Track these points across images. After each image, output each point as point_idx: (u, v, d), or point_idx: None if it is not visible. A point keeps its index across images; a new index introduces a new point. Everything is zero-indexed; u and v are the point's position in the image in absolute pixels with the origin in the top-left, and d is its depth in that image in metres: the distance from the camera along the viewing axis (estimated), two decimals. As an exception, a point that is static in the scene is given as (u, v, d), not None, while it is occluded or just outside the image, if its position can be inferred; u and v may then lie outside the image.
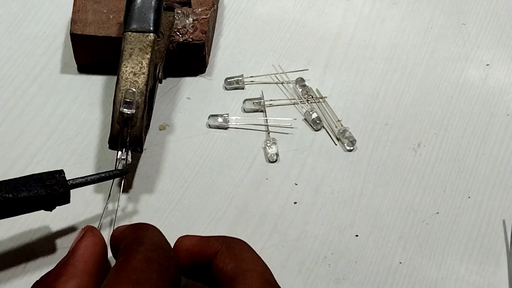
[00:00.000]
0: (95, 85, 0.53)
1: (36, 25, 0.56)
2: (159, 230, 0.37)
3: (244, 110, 0.52)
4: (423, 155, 0.49)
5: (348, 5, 0.58)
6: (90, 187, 0.47)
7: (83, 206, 0.46)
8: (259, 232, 0.45)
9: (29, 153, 0.49)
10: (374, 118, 0.51)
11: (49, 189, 0.39)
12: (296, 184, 0.48)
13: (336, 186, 0.48)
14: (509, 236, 0.45)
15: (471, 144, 0.50)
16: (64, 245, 0.44)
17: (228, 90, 0.53)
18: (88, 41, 0.51)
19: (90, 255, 0.36)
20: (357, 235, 0.45)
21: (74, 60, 0.53)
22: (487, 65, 0.54)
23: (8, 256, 0.44)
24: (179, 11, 0.51)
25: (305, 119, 0.51)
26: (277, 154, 0.49)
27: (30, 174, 0.40)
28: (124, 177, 0.45)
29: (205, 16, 0.52)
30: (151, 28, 0.46)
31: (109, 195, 0.45)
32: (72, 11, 0.51)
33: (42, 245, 0.44)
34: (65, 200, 0.40)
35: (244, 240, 0.37)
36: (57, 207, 0.41)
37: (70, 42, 0.52)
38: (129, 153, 0.44)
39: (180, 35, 0.51)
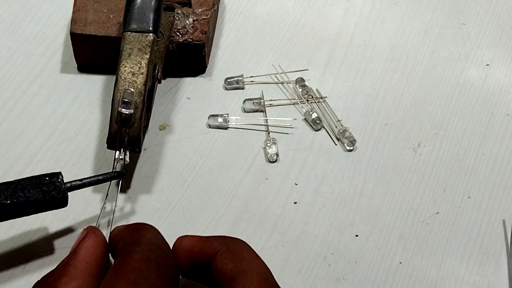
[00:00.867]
0: (95, 85, 0.53)
1: (36, 25, 0.56)
2: (157, 230, 0.37)
3: (244, 110, 0.52)
4: (423, 155, 0.49)
5: (348, 5, 0.58)
6: (89, 187, 0.47)
7: (83, 206, 0.46)
8: (259, 232, 0.45)
9: (29, 153, 0.49)
10: (374, 118, 0.51)
11: (47, 194, 0.40)
12: (296, 184, 0.48)
13: (336, 186, 0.48)
14: (509, 236, 0.45)
15: (471, 144, 0.50)
16: (63, 245, 0.44)
17: (228, 90, 0.53)
18: (88, 40, 0.51)
19: (92, 256, 0.36)
20: (357, 235, 0.45)
21: (74, 60, 0.53)
22: (487, 65, 0.54)
23: (8, 256, 0.44)
24: (179, 11, 0.51)
25: (305, 119, 0.51)
26: (277, 154, 0.49)
27: (29, 176, 0.40)
28: (123, 178, 0.45)
29: (205, 17, 0.52)
30: (151, 28, 0.46)
31: (107, 195, 0.45)
32: (73, 11, 0.51)
33: (42, 245, 0.44)
34: (63, 203, 0.41)
35: (244, 240, 0.37)
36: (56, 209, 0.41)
37: (70, 41, 0.52)
38: (127, 153, 0.44)
39: (180, 36, 0.51)
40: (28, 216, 0.45)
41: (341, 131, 0.50)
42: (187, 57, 0.52)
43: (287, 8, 0.58)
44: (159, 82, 0.49)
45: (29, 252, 0.44)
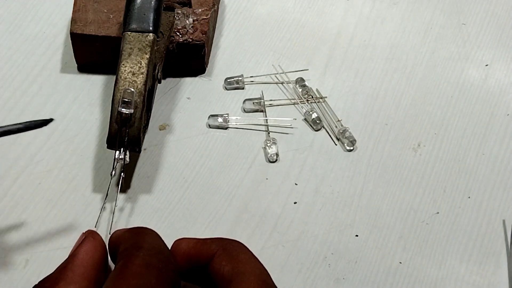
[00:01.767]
0: (95, 85, 0.53)
1: (36, 25, 0.56)
2: (157, 234, 0.37)
3: (244, 110, 0.52)
4: (423, 155, 0.49)
5: (348, 5, 0.58)
6: (89, 187, 0.47)
7: (83, 206, 0.46)
8: (259, 232, 0.45)
9: (29, 153, 0.49)
10: (374, 118, 0.51)
11: None
12: (296, 184, 0.48)
13: (336, 186, 0.48)
14: (509, 236, 0.45)
15: (471, 144, 0.50)
16: (64, 245, 0.44)
17: (228, 90, 0.53)
18: (88, 40, 0.51)
19: (90, 260, 0.36)
20: (357, 235, 0.45)
21: (74, 60, 0.53)
22: (486, 65, 0.54)
23: (8, 256, 0.44)
24: (179, 11, 0.51)
25: (305, 119, 0.51)
26: (277, 154, 0.49)
27: None
28: (122, 177, 0.45)
29: (205, 17, 0.52)
30: (151, 28, 0.46)
31: (107, 195, 0.45)
32: (73, 11, 0.51)
33: (42, 245, 0.44)
34: None
35: (244, 240, 0.37)
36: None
37: (70, 41, 0.51)
38: (127, 153, 0.44)
39: (180, 35, 0.51)
40: (27, 216, 0.45)
41: (341, 131, 0.50)
42: (187, 57, 0.52)
43: (287, 8, 0.58)
44: (159, 82, 0.49)
45: (29, 252, 0.44)
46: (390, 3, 0.59)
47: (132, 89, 0.44)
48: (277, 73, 0.53)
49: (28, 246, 0.44)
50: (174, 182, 0.48)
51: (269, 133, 0.50)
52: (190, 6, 0.52)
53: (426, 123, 0.51)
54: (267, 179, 0.48)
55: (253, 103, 0.51)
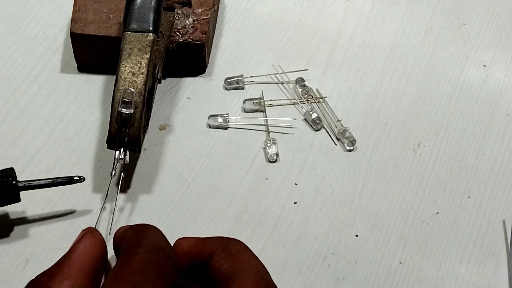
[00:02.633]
0: (95, 85, 0.53)
1: (36, 25, 0.56)
2: (160, 232, 0.37)
3: (244, 110, 0.52)
4: (423, 155, 0.49)
5: (348, 5, 0.58)
6: (89, 187, 0.47)
7: (83, 206, 0.46)
8: (259, 232, 0.45)
9: (29, 153, 0.49)
10: (374, 118, 0.51)
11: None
12: (296, 184, 0.48)
13: (336, 186, 0.48)
14: (509, 236, 0.45)
15: (471, 144, 0.50)
16: (64, 245, 0.44)
17: (228, 90, 0.53)
18: (88, 40, 0.51)
19: (87, 256, 0.36)
20: (357, 235, 0.45)
21: (74, 60, 0.53)
22: (484, 66, 0.54)
23: (8, 256, 0.44)
24: (179, 11, 0.51)
25: (305, 119, 0.51)
26: (277, 154, 0.49)
27: None
28: (122, 177, 0.45)
29: (205, 17, 0.52)
30: (151, 28, 0.46)
31: (107, 195, 0.45)
32: (73, 11, 0.51)
33: (42, 245, 0.44)
34: (15, 199, 0.43)
35: (244, 240, 0.37)
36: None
37: (70, 41, 0.52)
38: (127, 153, 0.44)
39: (180, 36, 0.51)
40: (28, 216, 0.45)
41: (341, 131, 0.50)
42: (187, 57, 0.52)
43: (287, 8, 0.58)
44: (159, 82, 0.49)
45: (29, 252, 0.44)
46: (390, 3, 0.59)
47: (132, 89, 0.44)
48: (277, 73, 0.53)
49: (28, 246, 0.44)
50: (174, 182, 0.48)
51: (269, 133, 0.50)
52: (190, 6, 0.52)
53: (426, 123, 0.51)
54: (267, 179, 0.48)
55: (253, 103, 0.51)
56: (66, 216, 0.45)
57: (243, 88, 0.53)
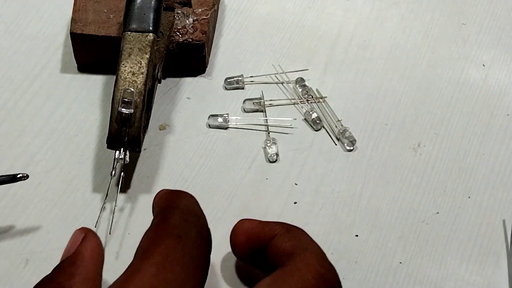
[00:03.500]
0: (95, 85, 0.53)
1: (36, 25, 0.56)
2: (195, 199, 0.37)
3: (244, 110, 0.52)
4: (423, 155, 0.49)
5: (348, 5, 0.58)
6: (90, 187, 0.47)
7: (83, 206, 0.46)
8: (259, 232, 0.45)
9: (29, 153, 0.49)
10: (374, 118, 0.51)
11: None
12: (296, 184, 0.48)
13: (336, 186, 0.48)
14: (509, 236, 0.45)
15: (471, 144, 0.50)
16: (64, 245, 0.44)
17: (228, 90, 0.53)
18: (88, 40, 0.51)
19: (98, 257, 0.36)
20: (357, 235, 0.45)
21: (74, 60, 0.53)
22: (483, 65, 0.54)
23: (8, 256, 0.44)
24: (179, 11, 0.51)
25: (305, 119, 0.51)
26: (277, 154, 0.49)
27: None
28: (122, 177, 0.45)
29: (205, 17, 0.52)
30: (151, 28, 0.46)
31: (107, 195, 0.45)
32: (73, 10, 0.51)
33: (42, 245, 0.44)
34: None
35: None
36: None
37: (70, 41, 0.51)
38: (127, 153, 0.44)
39: (180, 35, 0.51)
40: (27, 216, 0.45)
41: (341, 131, 0.50)
42: (187, 57, 0.52)
43: (287, 8, 0.58)
44: (159, 82, 0.49)
45: (29, 252, 0.44)
46: (390, 3, 0.59)
47: (132, 89, 0.44)
48: (277, 73, 0.53)
49: (28, 246, 0.44)
50: (174, 182, 0.48)
51: (269, 133, 0.50)
52: (190, 6, 0.52)
53: (426, 123, 0.51)
54: (267, 179, 0.48)
55: (253, 103, 0.51)
56: (66, 216, 0.45)
57: (243, 88, 0.53)
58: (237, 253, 0.39)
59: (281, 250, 0.35)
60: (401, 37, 0.56)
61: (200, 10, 0.52)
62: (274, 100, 0.52)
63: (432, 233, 0.46)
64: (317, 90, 0.53)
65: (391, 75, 0.54)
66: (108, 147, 0.44)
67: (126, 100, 0.43)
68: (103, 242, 0.38)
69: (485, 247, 0.45)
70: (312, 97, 0.52)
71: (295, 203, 0.47)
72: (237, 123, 0.51)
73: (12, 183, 0.43)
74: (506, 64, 0.55)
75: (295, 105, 0.52)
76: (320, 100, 0.52)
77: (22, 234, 0.45)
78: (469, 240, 0.45)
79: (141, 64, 0.45)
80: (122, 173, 0.45)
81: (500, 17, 0.58)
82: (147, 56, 0.45)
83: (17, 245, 0.44)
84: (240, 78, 0.53)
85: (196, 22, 0.51)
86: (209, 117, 0.50)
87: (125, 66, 0.45)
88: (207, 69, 0.54)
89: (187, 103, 0.52)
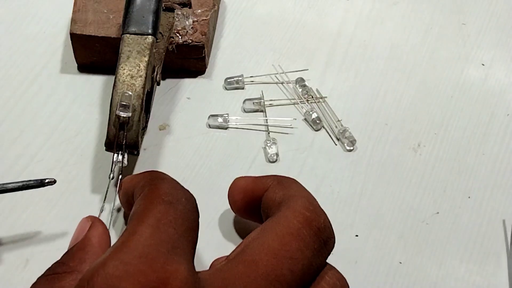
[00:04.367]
0: (95, 85, 0.53)
1: (36, 25, 0.56)
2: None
3: (244, 110, 0.52)
4: (423, 155, 0.49)
5: (348, 5, 0.58)
6: (90, 187, 0.47)
7: (83, 206, 0.46)
8: (259, 232, 0.45)
9: (29, 153, 0.49)
10: (374, 118, 0.51)
11: None
12: (296, 184, 0.48)
13: (336, 186, 0.48)
14: (509, 236, 0.45)
15: (471, 144, 0.50)
16: (64, 246, 0.44)
17: (228, 90, 0.53)
18: (88, 41, 0.51)
19: (106, 244, 0.37)
20: (357, 235, 0.45)
21: (74, 60, 0.53)
22: (483, 65, 0.54)
23: (8, 256, 0.44)
24: (179, 12, 0.51)
25: (305, 119, 0.51)
26: (277, 154, 0.49)
27: None
28: (120, 179, 0.45)
29: (205, 18, 0.52)
30: (150, 31, 0.46)
31: (105, 197, 0.45)
32: (73, 11, 0.51)
33: (42, 245, 0.44)
34: None
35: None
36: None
37: (70, 42, 0.51)
38: (125, 156, 0.44)
39: (180, 36, 0.51)
40: (27, 216, 0.45)
41: (341, 131, 0.50)
42: (187, 58, 0.52)
43: (287, 8, 0.58)
44: (158, 84, 0.49)
45: (29, 252, 0.44)
46: (390, 3, 0.59)
47: (130, 93, 0.44)
48: (277, 73, 0.54)
49: (28, 246, 0.44)
50: (174, 182, 0.47)
51: (269, 133, 0.50)
52: (190, 7, 0.52)
53: (426, 123, 0.51)
54: (267, 179, 0.48)
55: (253, 103, 0.51)
56: (66, 216, 0.45)
57: (243, 88, 0.53)
58: (235, 209, 0.42)
59: (272, 200, 0.37)
60: (401, 37, 0.56)
61: (200, 11, 0.52)
62: (274, 100, 0.52)
63: (432, 233, 0.46)
64: (317, 90, 0.53)
65: (391, 75, 0.54)
66: (106, 150, 0.44)
67: (124, 103, 0.43)
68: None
69: (485, 247, 0.45)
70: (312, 97, 0.52)
71: (295, 203, 0.47)
72: (237, 123, 0.51)
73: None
74: (506, 64, 0.55)
75: (295, 105, 0.52)
76: (320, 100, 0.52)
77: (22, 234, 0.45)
78: (469, 240, 0.45)
79: (139, 67, 0.45)
80: (120, 176, 0.45)
81: (500, 17, 0.58)
82: (146, 59, 0.45)
83: (17, 245, 0.44)
84: (240, 78, 0.53)
85: (196, 23, 0.51)
86: (209, 117, 0.51)
87: (124, 69, 0.45)
88: (207, 69, 0.54)
89: (187, 103, 0.52)
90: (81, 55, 0.52)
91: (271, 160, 0.49)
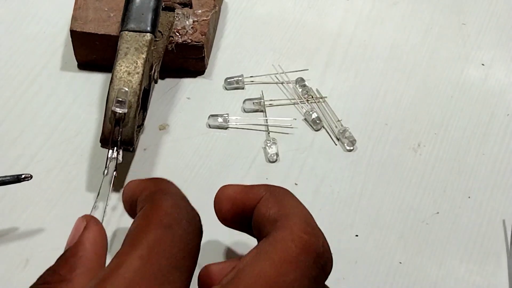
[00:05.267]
0: (95, 84, 0.53)
1: (36, 24, 0.56)
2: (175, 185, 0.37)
3: (244, 110, 0.52)
4: (423, 155, 0.49)
5: (348, 5, 0.58)
6: (89, 187, 0.47)
7: (83, 206, 0.46)
8: (259, 232, 0.45)
9: (29, 153, 0.49)
10: (374, 118, 0.51)
11: None
12: (296, 184, 0.48)
13: (336, 186, 0.48)
14: (509, 236, 0.45)
15: (471, 144, 0.50)
16: (64, 245, 0.44)
17: (228, 90, 0.53)
18: (88, 38, 0.51)
19: (100, 246, 0.35)
20: (357, 235, 0.45)
21: (74, 59, 0.53)
22: (483, 64, 0.54)
23: (8, 256, 0.44)
24: (180, 12, 0.51)
25: (305, 119, 0.51)
26: (277, 154, 0.49)
27: None
28: (114, 176, 0.45)
29: (205, 18, 0.52)
30: (149, 28, 0.46)
31: (98, 194, 0.45)
32: (73, 8, 0.51)
33: (42, 245, 0.44)
34: None
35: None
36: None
37: (71, 41, 0.51)
38: (120, 152, 0.44)
39: (179, 36, 0.51)
40: (27, 216, 0.45)
41: (341, 131, 0.50)
42: (187, 58, 0.52)
43: (287, 8, 0.58)
44: (156, 82, 0.49)
45: (29, 252, 0.44)
46: (390, 3, 0.59)
47: (127, 89, 0.44)
48: (277, 73, 0.53)
49: (28, 246, 0.44)
50: (173, 182, 0.47)
51: (269, 133, 0.50)
52: (191, 7, 0.52)
53: (426, 123, 0.51)
54: (267, 179, 0.48)
55: (253, 103, 0.51)
56: (66, 216, 0.45)
57: (243, 88, 0.53)
58: (221, 219, 0.38)
59: (265, 216, 0.34)
60: (401, 37, 0.56)
61: (200, 11, 0.52)
62: (274, 100, 0.52)
63: (432, 233, 0.46)
64: (317, 90, 0.53)
65: (391, 75, 0.54)
66: (102, 146, 0.44)
67: (120, 99, 0.43)
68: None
69: (485, 247, 0.45)
70: (312, 97, 0.52)
71: (295, 203, 0.47)
72: (237, 123, 0.51)
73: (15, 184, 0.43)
74: (506, 64, 0.55)
75: (295, 105, 0.52)
76: (320, 100, 0.52)
77: (22, 234, 0.45)
78: (469, 240, 0.45)
79: (137, 64, 0.45)
80: (115, 172, 0.45)
81: (500, 17, 0.58)
82: (144, 56, 0.45)
83: (17, 245, 0.44)
84: (240, 78, 0.53)
85: (196, 23, 0.51)
86: (209, 117, 0.50)
87: (121, 66, 0.45)
88: (207, 69, 0.54)
89: (187, 103, 0.52)
90: (81, 53, 0.52)
91: (271, 160, 0.49)
